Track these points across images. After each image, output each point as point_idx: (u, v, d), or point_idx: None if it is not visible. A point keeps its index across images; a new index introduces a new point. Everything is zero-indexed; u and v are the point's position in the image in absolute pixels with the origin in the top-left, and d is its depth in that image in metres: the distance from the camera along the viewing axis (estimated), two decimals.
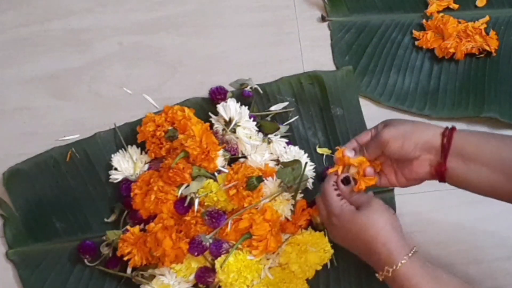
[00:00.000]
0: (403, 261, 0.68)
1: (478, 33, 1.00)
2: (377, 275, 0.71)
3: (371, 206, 0.72)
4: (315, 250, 0.84)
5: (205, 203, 0.87)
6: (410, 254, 0.69)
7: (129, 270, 0.87)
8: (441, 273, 0.69)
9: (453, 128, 0.71)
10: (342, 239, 0.76)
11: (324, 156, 0.95)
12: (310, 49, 1.02)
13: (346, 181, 0.76)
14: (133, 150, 0.92)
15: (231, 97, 0.94)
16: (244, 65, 1.01)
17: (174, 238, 0.83)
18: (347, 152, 0.76)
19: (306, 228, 0.87)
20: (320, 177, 0.92)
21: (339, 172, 0.77)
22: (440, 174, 0.72)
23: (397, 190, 0.92)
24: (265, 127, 0.93)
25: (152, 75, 1.01)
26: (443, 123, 0.97)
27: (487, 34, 1.01)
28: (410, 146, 0.71)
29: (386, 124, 0.75)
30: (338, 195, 0.76)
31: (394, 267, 0.68)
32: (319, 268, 0.86)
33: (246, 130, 0.90)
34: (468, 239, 0.93)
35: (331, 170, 0.78)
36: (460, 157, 0.70)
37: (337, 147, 0.78)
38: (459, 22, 1.01)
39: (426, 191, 0.94)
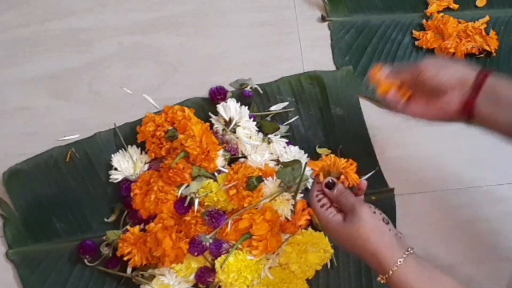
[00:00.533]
0: (394, 268, 0.68)
1: (478, 33, 1.00)
2: (378, 279, 0.71)
3: (355, 215, 0.71)
4: (315, 250, 0.84)
5: (205, 203, 0.87)
6: (401, 260, 0.68)
7: (129, 270, 0.87)
8: (437, 274, 0.68)
9: (488, 71, 0.71)
10: (340, 245, 0.76)
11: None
12: (310, 49, 1.02)
13: (331, 184, 0.75)
14: (133, 150, 0.92)
15: (231, 97, 0.94)
16: (244, 65, 1.01)
17: (174, 238, 0.83)
18: (382, 70, 0.76)
19: (306, 228, 0.87)
20: None
21: (321, 178, 0.76)
22: (469, 109, 0.72)
23: (397, 190, 0.92)
24: (265, 127, 0.93)
25: (152, 75, 1.01)
26: (443, 123, 0.97)
27: (487, 34, 1.01)
28: (444, 77, 0.72)
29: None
30: (322, 205, 0.75)
31: (387, 275, 0.68)
32: (319, 268, 0.86)
33: (246, 130, 0.90)
34: (468, 240, 0.93)
35: (314, 174, 0.77)
36: (491, 97, 0.71)
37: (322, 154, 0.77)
38: (459, 22, 1.01)
39: (426, 191, 0.94)
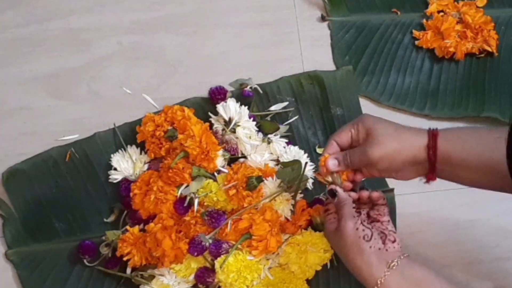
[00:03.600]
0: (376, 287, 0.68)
1: (479, 33, 1.00)
2: None
3: (339, 228, 0.71)
4: (315, 250, 0.84)
5: (205, 203, 0.86)
6: (381, 279, 0.67)
7: (128, 270, 0.87)
8: (427, 285, 0.68)
9: (436, 136, 0.70)
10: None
11: None
12: (310, 49, 1.02)
13: (331, 194, 0.75)
14: (133, 150, 0.92)
15: (230, 97, 0.94)
16: (244, 65, 1.00)
17: (174, 238, 0.83)
18: (330, 163, 0.75)
19: (306, 228, 0.87)
20: None
21: (327, 183, 0.77)
22: (429, 180, 0.73)
23: (397, 190, 0.92)
24: (265, 127, 0.93)
25: (151, 75, 1.01)
26: (443, 123, 0.98)
27: (488, 33, 1.01)
28: (399, 165, 0.72)
29: (368, 131, 0.73)
30: (327, 210, 0.76)
31: None
32: (319, 268, 0.85)
33: (246, 130, 0.89)
34: (468, 240, 0.93)
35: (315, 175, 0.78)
36: (447, 164, 0.70)
37: (321, 154, 0.77)
38: (459, 22, 1.01)
39: (426, 191, 0.94)
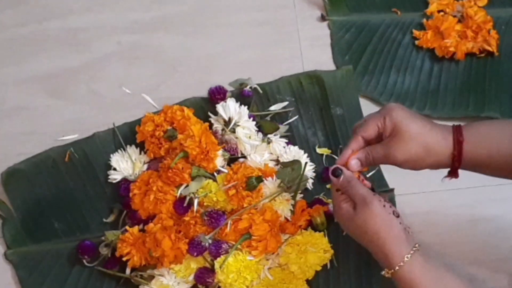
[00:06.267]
0: (400, 264, 0.67)
1: (479, 32, 1.00)
2: (382, 272, 0.71)
3: (366, 207, 0.70)
4: (315, 251, 0.84)
5: (205, 203, 0.86)
6: (408, 256, 0.68)
7: (128, 271, 0.87)
8: (444, 273, 0.68)
9: (461, 144, 0.70)
10: (347, 232, 0.75)
11: (324, 156, 0.94)
12: (310, 48, 1.02)
13: (338, 172, 0.73)
14: (132, 150, 0.92)
15: (230, 96, 0.94)
16: (243, 64, 1.00)
17: (173, 238, 0.83)
18: (353, 163, 0.73)
19: (306, 229, 0.87)
20: (320, 177, 0.92)
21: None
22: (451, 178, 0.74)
23: (397, 191, 0.92)
24: (265, 127, 0.92)
25: (151, 74, 1.01)
26: (443, 123, 0.97)
27: (488, 33, 1.01)
28: (422, 167, 0.72)
29: (395, 127, 0.71)
30: (338, 189, 0.74)
31: (392, 271, 0.68)
32: (319, 268, 0.85)
33: (246, 130, 0.89)
34: (468, 240, 0.92)
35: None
36: (471, 166, 0.71)
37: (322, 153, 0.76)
38: (459, 21, 1.01)
39: (426, 191, 0.94)
